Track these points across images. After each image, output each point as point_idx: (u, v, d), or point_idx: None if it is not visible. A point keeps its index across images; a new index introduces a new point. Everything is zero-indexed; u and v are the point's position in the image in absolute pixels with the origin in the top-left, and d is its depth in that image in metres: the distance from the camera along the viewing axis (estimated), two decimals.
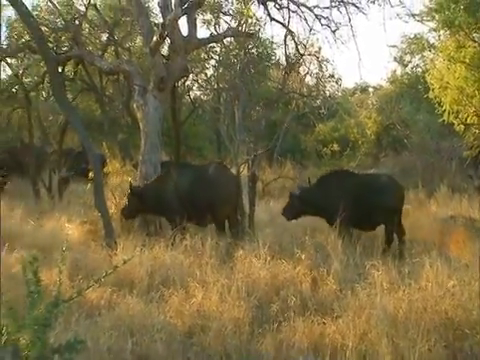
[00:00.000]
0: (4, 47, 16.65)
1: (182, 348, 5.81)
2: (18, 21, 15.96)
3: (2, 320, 3.18)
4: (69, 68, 17.70)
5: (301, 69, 16.02)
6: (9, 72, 18.31)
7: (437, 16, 12.17)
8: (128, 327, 5.97)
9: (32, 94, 18.32)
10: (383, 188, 11.30)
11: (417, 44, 23.74)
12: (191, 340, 6.06)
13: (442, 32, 12.81)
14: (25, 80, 18.21)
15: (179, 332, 6.11)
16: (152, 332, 5.87)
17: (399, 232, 10.80)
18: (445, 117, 12.19)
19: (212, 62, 19.54)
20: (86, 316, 6.38)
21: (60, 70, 15.05)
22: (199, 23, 15.09)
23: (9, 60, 17.32)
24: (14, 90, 18.70)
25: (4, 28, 16.99)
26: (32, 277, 3.32)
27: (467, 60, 11.36)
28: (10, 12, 16.40)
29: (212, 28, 16.50)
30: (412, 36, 23.96)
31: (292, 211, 11.30)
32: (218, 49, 18.28)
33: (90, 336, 5.47)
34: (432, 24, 12.99)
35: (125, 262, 4.41)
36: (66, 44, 16.88)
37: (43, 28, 14.12)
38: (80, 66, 17.13)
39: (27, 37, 15.89)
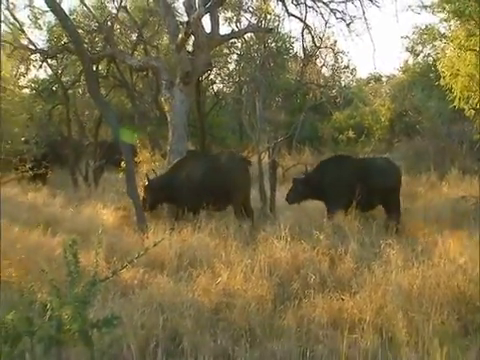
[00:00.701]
0: (45, 49, 17.02)
1: (209, 323, 5.79)
2: (57, 25, 16.28)
3: (47, 297, 3.22)
4: (102, 66, 17.77)
5: (318, 61, 15.96)
6: (49, 72, 18.65)
7: (447, 6, 12.00)
8: (159, 304, 5.96)
9: (70, 91, 18.56)
10: (380, 170, 11.27)
11: (428, 34, 23.36)
12: (218, 316, 6.03)
13: (452, 22, 12.63)
14: (63, 79, 18.43)
15: (206, 309, 6.10)
16: (181, 309, 5.87)
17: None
18: (456, 103, 12.00)
19: (234, 57, 19.51)
20: (121, 294, 6.40)
21: (94, 68, 15.09)
22: (221, 20, 15.00)
23: (49, 61, 17.66)
24: (54, 88, 18.97)
25: (45, 32, 17.39)
26: (72, 259, 3.35)
27: (477, 48, 11.16)
28: (50, 17, 16.85)
29: (233, 25, 16.42)
30: (423, 27, 23.66)
31: (295, 195, 11.26)
32: (239, 44, 18.26)
33: (125, 313, 5.47)
34: (443, 15, 12.84)
35: (155, 244, 4.42)
36: (99, 44, 17.07)
37: (79, 30, 14.22)
38: (112, 64, 17.20)
39: (65, 39, 16.12)
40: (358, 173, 10.95)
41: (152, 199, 10.96)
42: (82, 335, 3.18)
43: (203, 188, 10.67)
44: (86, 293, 3.25)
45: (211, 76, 19.81)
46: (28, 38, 16.59)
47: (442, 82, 12.33)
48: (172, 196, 10.96)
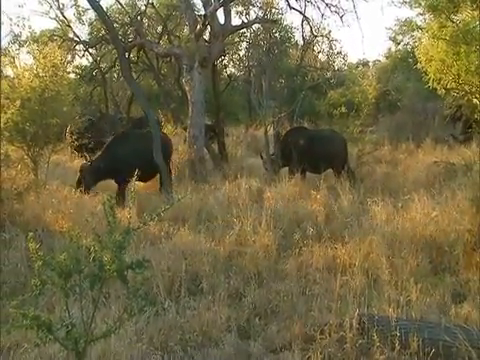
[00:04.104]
0: (87, 41, 17.41)
1: (224, 268, 5.82)
2: (97, 21, 16.43)
3: (90, 243, 3.26)
4: (133, 54, 17.55)
5: (315, 48, 15.72)
6: (90, 59, 18.68)
7: (423, 2, 11.87)
8: (182, 252, 5.97)
9: (107, 75, 18.61)
10: (326, 139, 11.42)
11: (407, 26, 23.01)
12: (231, 262, 6.05)
13: (427, 15, 12.47)
14: (102, 65, 18.42)
15: (221, 256, 6.11)
16: (200, 256, 5.88)
17: (351, 176, 10.69)
18: (430, 84, 11.82)
19: (244, 44, 19.18)
20: (150, 243, 6.42)
21: (127, 56, 14.93)
22: (233, 13, 14.64)
23: (90, 50, 17.81)
24: (94, 73, 18.89)
25: (87, 27, 17.73)
26: (110, 211, 3.34)
27: (447, 37, 10.98)
28: (91, 14, 17.09)
29: (243, 17, 16.11)
30: (404, 20, 23.32)
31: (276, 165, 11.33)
32: (248, 34, 17.89)
33: (154, 258, 5.47)
34: (419, 9, 12.74)
35: (179, 200, 4.39)
36: (131, 35, 16.90)
37: (114, 24, 14.11)
38: (142, 52, 16.98)
39: (103, 32, 16.05)
40: (309, 141, 11.15)
41: (91, 181, 9.55)
42: (119, 274, 3.19)
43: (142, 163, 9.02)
44: (122, 240, 3.25)
45: (224, 61, 19.56)
46: (74, 32, 17.13)
47: (419, 66, 12.15)
48: (112, 172, 9.67)
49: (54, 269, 3.15)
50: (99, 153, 10.15)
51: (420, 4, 12.16)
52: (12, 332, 3.18)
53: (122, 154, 9.79)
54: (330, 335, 4.19)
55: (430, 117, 17.70)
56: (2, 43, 14.97)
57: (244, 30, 16.57)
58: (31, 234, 3.29)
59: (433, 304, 4.87)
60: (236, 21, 14.34)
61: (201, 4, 13.34)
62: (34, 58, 10.64)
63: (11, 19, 14.68)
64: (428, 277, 5.57)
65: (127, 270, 3.25)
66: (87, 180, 9.47)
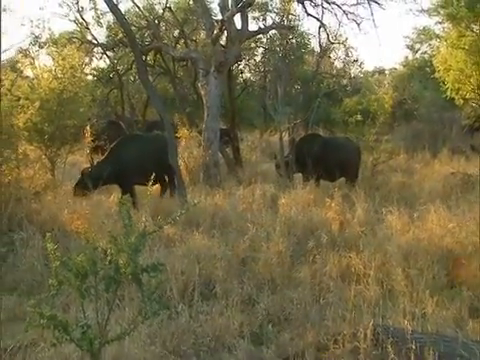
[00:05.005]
0: (105, 43, 17.65)
1: (238, 273, 5.80)
2: (115, 23, 16.57)
3: (106, 245, 3.28)
4: (150, 57, 17.69)
5: (331, 55, 15.70)
6: (108, 62, 18.87)
7: (442, 11, 11.82)
8: (196, 256, 5.97)
9: (124, 78, 18.75)
10: (340, 147, 11.40)
11: (425, 34, 22.97)
12: (244, 267, 6.03)
13: (446, 24, 12.42)
14: (119, 67, 18.55)
15: (235, 261, 6.09)
16: (214, 261, 5.88)
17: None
18: (448, 93, 11.80)
19: (260, 50, 19.25)
20: (165, 247, 6.42)
21: (143, 59, 15.03)
22: (250, 19, 14.70)
23: (108, 53, 17.98)
24: (111, 75, 19.06)
25: (105, 29, 17.85)
26: (126, 214, 3.36)
27: (467, 47, 10.94)
28: (109, 17, 17.19)
29: (260, 23, 16.23)
30: (421, 28, 23.24)
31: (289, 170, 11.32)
32: (264, 40, 17.96)
33: (168, 261, 5.47)
34: (438, 18, 12.68)
35: (195, 204, 4.40)
36: (148, 39, 17.05)
37: (132, 27, 14.19)
38: (158, 55, 17.12)
39: (121, 35, 16.16)
40: (323, 148, 11.12)
41: (94, 184, 9.07)
42: (134, 277, 3.22)
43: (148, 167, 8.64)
44: (137, 243, 3.27)
45: (240, 66, 19.63)
46: (92, 34, 17.27)
47: (436, 75, 12.11)
48: (116, 177, 9.48)
49: (71, 270, 3.18)
50: (102, 158, 9.91)
51: (439, 13, 12.13)
52: (29, 330, 3.20)
53: (127, 158, 9.61)
54: (344, 345, 4.14)
55: (447, 127, 17.59)
56: (22, 45, 15.27)
57: (260, 36, 16.65)
58: (49, 235, 3.32)
59: (449, 318, 4.78)
60: (253, 26, 14.42)
61: (218, 9, 13.44)
62: (53, 60, 10.77)
63: (32, 21, 14.88)
64: (444, 290, 5.50)
65: (142, 273, 3.27)
66: (87, 185, 9.07)
